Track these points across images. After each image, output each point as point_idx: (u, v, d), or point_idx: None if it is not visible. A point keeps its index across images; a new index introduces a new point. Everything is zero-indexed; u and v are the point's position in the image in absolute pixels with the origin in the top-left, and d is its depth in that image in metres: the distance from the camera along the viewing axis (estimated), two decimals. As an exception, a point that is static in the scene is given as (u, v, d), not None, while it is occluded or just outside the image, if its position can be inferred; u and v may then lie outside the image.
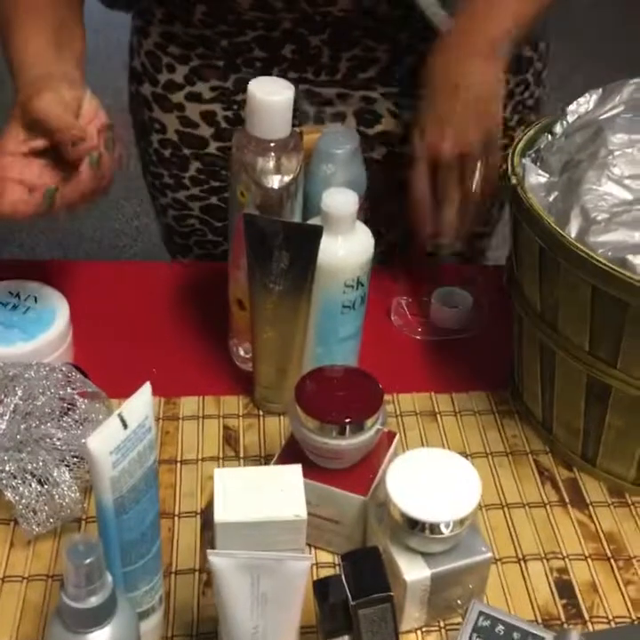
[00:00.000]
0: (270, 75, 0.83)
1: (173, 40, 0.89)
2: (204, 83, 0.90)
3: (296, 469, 0.54)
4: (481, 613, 0.58)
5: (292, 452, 0.65)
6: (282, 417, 0.77)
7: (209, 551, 0.50)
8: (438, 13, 0.81)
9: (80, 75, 0.76)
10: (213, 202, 0.96)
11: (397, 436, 0.67)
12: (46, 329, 0.76)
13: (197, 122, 0.92)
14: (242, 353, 0.80)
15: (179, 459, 0.73)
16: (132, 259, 2.23)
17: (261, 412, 0.77)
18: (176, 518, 0.68)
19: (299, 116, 0.85)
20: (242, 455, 0.73)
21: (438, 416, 0.78)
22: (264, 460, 0.73)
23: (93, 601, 0.48)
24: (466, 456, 0.71)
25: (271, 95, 0.68)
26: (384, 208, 0.88)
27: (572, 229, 0.64)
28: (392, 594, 0.54)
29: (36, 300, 0.79)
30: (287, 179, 0.70)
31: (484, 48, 0.77)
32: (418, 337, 0.86)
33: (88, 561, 0.46)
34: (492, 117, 0.79)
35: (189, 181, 0.95)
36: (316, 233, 0.68)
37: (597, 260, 0.62)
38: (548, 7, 0.82)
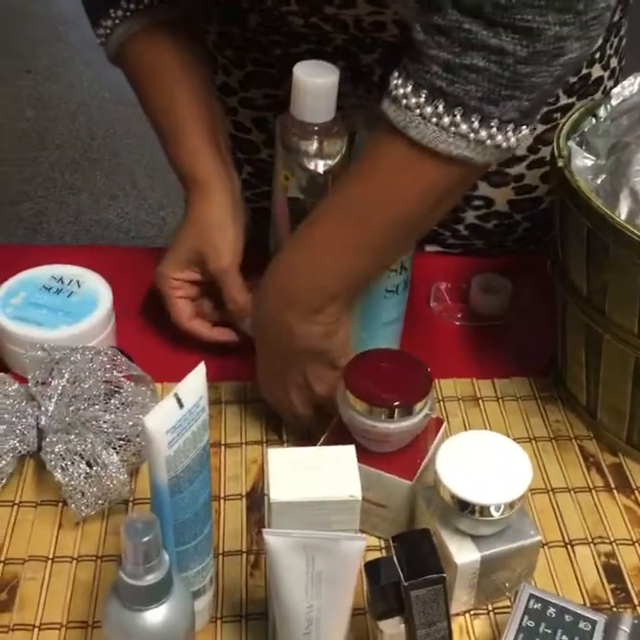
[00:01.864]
0: None
1: (230, 42, 0.88)
2: (258, 89, 0.89)
3: (350, 450, 0.54)
4: (532, 596, 0.58)
5: (337, 435, 0.65)
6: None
7: (265, 530, 0.50)
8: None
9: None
10: (265, 205, 0.96)
11: (445, 424, 0.67)
12: (90, 313, 0.77)
13: (250, 127, 0.91)
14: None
15: (223, 442, 0.73)
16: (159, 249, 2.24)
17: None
18: (222, 501, 0.68)
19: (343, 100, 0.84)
20: (285, 439, 0.74)
21: (480, 401, 0.78)
22: (308, 444, 0.72)
23: (151, 579, 0.48)
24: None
25: (316, 78, 0.68)
26: None
27: (622, 211, 0.64)
28: (445, 575, 0.53)
29: (79, 285, 0.79)
30: (331, 162, 0.69)
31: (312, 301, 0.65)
32: (457, 323, 0.86)
33: (146, 539, 0.47)
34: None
35: (242, 184, 0.94)
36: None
37: (648, 243, 0.61)
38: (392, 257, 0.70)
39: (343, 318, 0.67)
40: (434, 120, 0.57)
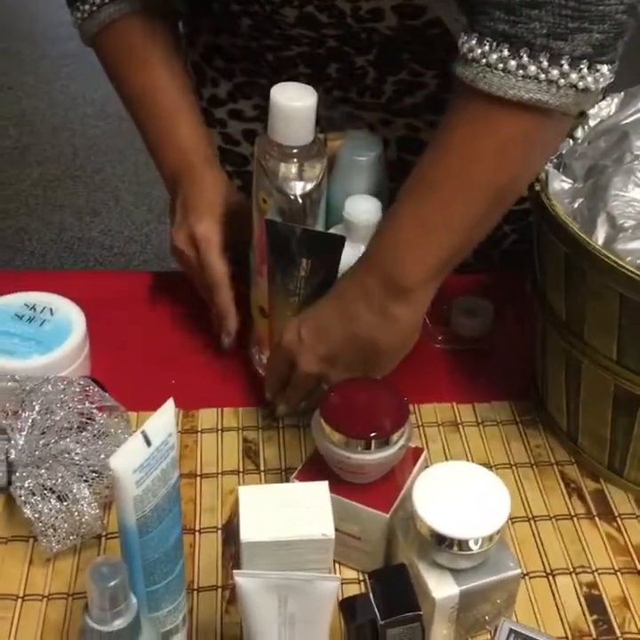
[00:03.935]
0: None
1: (219, 52, 0.88)
2: (247, 100, 0.89)
3: (323, 486, 0.52)
4: (511, 631, 0.56)
5: (314, 465, 0.64)
6: (302, 429, 0.75)
7: (235, 572, 0.49)
8: None
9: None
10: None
11: (425, 453, 0.66)
12: (63, 341, 0.75)
13: (239, 139, 0.91)
14: (264, 360, 0.79)
15: (198, 473, 0.72)
16: (143, 265, 2.23)
17: (281, 424, 0.76)
18: (197, 534, 0.67)
19: (323, 123, 0.83)
20: (262, 468, 0.72)
21: (460, 427, 0.77)
22: (285, 472, 0.72)
23: (118, 624, 0.47)
24: (490, 467, 0.70)
25: (294, 101, 0.67)
26: None
27: (599, 237, 0.63)
28: (421, 613, 0.52)
29: (51, 312, 0.78)
30: (310, 186, 0.68)
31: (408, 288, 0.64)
32: (438, 346, 0.85)
33: (112, 583, 0.46)
34: (377, 370, 0.68)
35: None
36: (339, 243, 0.66)
37: (625, 269, 0.60)
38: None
39: (418, 321, 0.67)
40: (500, 66, 0.56)
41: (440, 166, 0.62)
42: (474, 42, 0.57)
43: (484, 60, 0.57)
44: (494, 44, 0.56)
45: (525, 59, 0.56)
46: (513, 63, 0.56)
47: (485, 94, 0.57)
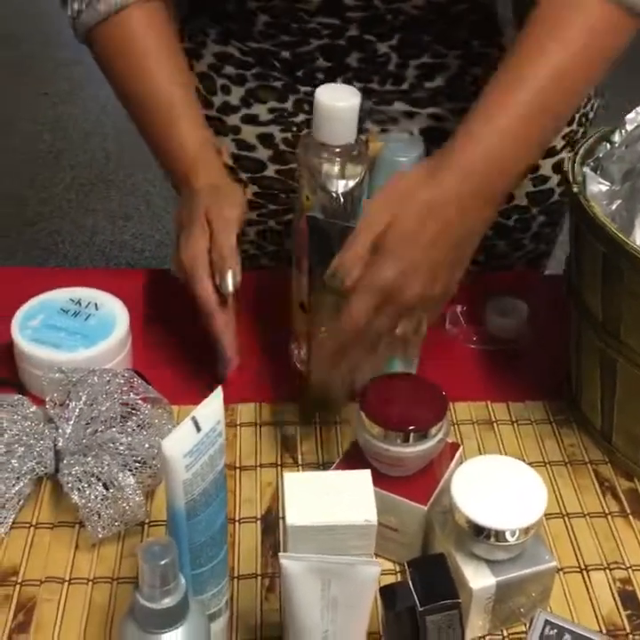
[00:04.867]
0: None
1: (229, 60, 0.88)
2: (262, 104, 0.89)
3: (365, 474, 0.54)
4: (547, 622, 0.57)
5: (352, 458, 0.65)
6: (338, 425, 0.77)
7: (280, 554, 0.50)
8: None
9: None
10: (271, 225, 0.94)
11: (461, 448, 0.67)
12: (107, 335, 0.77)
13: (254, 144, 0.90)
14: (303, 356, 0.80)
15: (237, 465, 0.73)
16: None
17: (317, 419, 0.77)
18: (236, 524, 0.68)
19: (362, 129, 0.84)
20: (300, 462, 0.74)
21: (495, 425, 0.78)
22: (323, 467, 0.73)
23: (167, 602, 0.48)
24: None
25: (338, 101, 0.69)
26: None
27: (637, 237, 0.64)
28: (460, 600, 0.53)
29: (96, 307, 0.80)
30: (351, 184, 0.70)
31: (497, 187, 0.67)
32: (473, 346, 0.86)
33: (163, 562, 0.47)
34: (462, 270, 0.67)
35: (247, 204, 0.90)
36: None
37: (663, 268, 0.61)
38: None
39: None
40: None
41: (560, 65, 0.66)
42: None
43: None
44: None
45: None
46: None
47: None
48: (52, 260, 2.26)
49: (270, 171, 0.92)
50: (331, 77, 0.85)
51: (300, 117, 0.89)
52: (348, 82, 0.85)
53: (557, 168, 0.90)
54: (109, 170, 2.63)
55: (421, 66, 0.84)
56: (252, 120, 0.90)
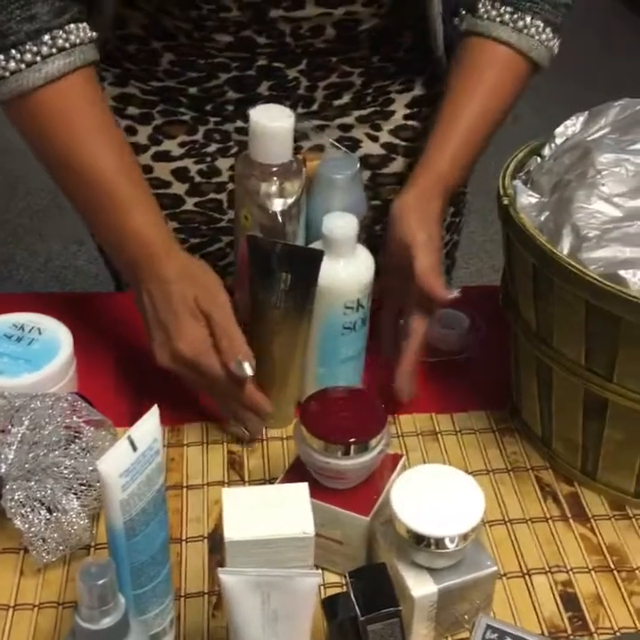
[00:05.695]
0: (244, 115, 0.79)
1: (131, 101, 0.86)
2: (171, 140, 0.87)
3: (302, 487, 0.55)
4: (489, 627, 0.58)
5: (296, 473, 0.66)
6: (285, 441, 0.78)
7: (220, 569, 0.51)
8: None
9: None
10: None
11: (403, 459, 0.68)
12: (51, 360, 0.77)
13: (170, 180, 0.89)
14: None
15: (184, 484, 0.73)
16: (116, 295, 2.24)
17: (264, 436, 0.78)
18: (183, 543, 0.69)
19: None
20: (247, 479, 0.74)
21: (439, 436, 0.79)
22: (269, 483, 0.73)
23: (107, 622, 0.48)
24: (467, 474, 0.72)
25: (273, 121, 0.70)
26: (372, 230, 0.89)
27: (565, 247, 0.66)
28: (400, 608, 0.54)
29: (39, 332, 0.80)
30: (289, 202, 0.71)
31: (444, 194, 0.79)
32: (416, 359, 0.87)
33: (101, 582, 0.47)
34: None
35: None
36: (317, 257, 0.69)
37: (590, 276, 0.63)
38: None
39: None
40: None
41: (487, 103, 0.82)
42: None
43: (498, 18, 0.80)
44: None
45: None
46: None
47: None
48: (5, 286, 2.24)
49: (188, 204, 0.91)
50: (240, 107, 0.84)
51: (212, 147, 0.88)
52: None
53: None
54: (62, 195, 2.62)
55: (329, 86, 0.86)
56: (163, 157, 0.88)
